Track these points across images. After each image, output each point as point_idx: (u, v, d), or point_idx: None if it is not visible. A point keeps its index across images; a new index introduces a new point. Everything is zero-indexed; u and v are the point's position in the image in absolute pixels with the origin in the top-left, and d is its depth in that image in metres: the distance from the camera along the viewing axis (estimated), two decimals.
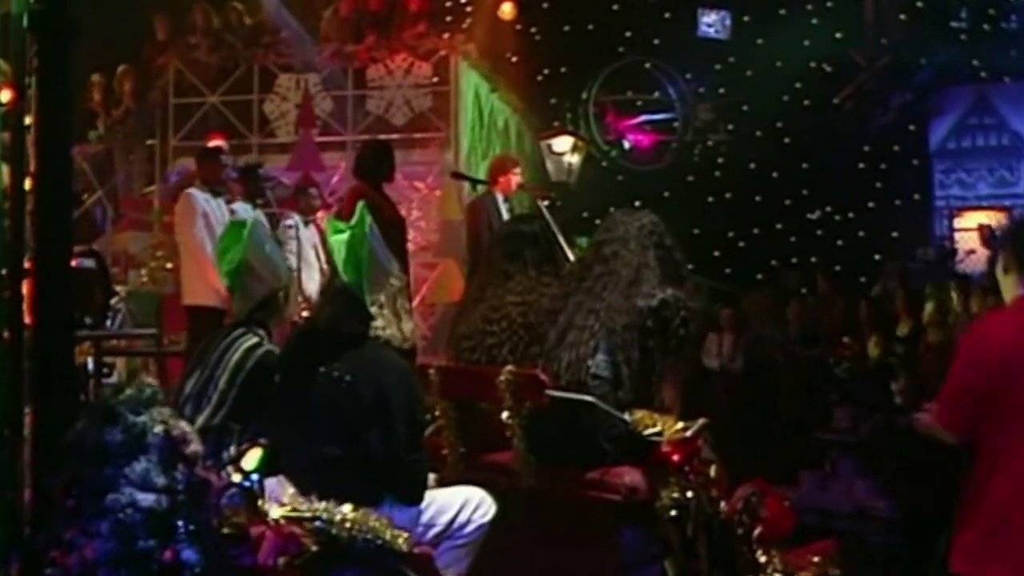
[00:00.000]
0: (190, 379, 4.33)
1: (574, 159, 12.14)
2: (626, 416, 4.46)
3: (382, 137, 12.00)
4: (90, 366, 9.93)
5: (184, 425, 3.81)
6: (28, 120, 11.31)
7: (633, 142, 15.80)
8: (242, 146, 12.29)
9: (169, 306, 9.81)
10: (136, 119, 12.38)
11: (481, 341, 5.02)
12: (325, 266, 9.53)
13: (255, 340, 4.26)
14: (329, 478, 3.94)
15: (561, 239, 8.73)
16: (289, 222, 9.84)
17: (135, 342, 10.11)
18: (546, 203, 9.13)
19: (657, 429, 4.41)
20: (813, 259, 15.68)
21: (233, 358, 4.22)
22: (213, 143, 10.58)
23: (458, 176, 10.01)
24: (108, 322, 9.79)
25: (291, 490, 3.92)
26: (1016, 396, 3.80)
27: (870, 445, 9.37)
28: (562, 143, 12.15)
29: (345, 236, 4.17)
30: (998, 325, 4.06)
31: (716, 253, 15.79)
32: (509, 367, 4.65)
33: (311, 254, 9.72)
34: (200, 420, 4.17)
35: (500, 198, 8.91)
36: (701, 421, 4.52)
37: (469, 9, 13.32)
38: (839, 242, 15.68)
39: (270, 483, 3.94)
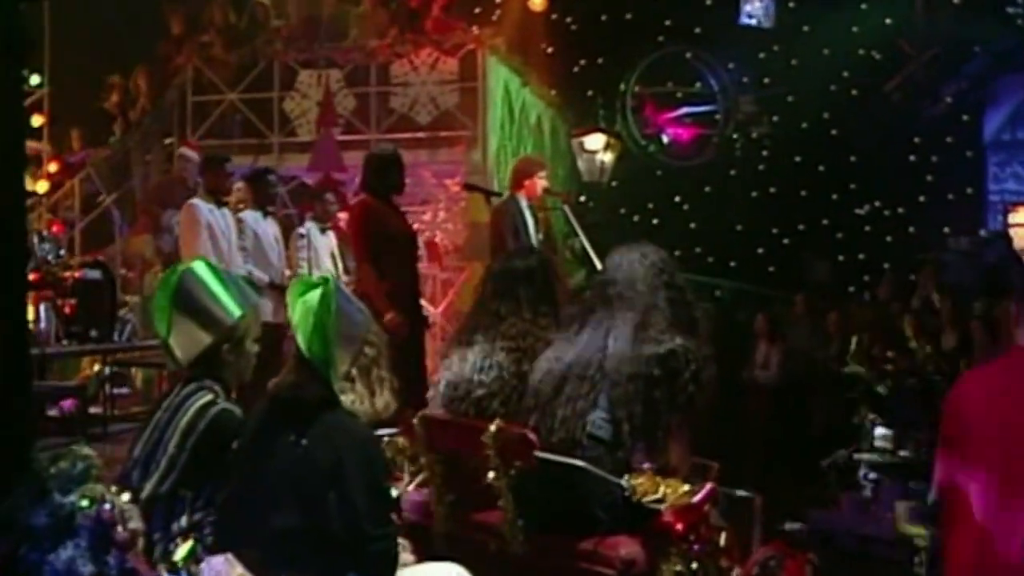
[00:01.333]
0: (139, 441, 3.93)
1: (607, 157, 11.66)
2: (625, 480, 4.02)
3: (406, 135, 11.66)
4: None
5: (122, 501, 3.43)
6: (40, 121, 10.93)
7: (672, 136, 15.34)
8: (263, 146, 11.92)
9: None
10: (152, 119, 12.03)
11: (469, 391, 4.56)
12: (343, 275, 9.21)
13: (209, 398, 3.83)
14: (284, 554, 3.54)
15: (587, 244, 8.36)
16: (301, 230, 9.49)
17: (148, 352, 9.78)
18: (583, 201, 8.79)
19: (658, 496, 3.96)
20: (861, 256, 15.18)
21: (184, 419, 3.80)
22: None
23: (471, 188, 9.54)
24: (116, 334, 9.53)
25: (239, 569, 3.53)
26: (979, 454, 3.37)
27: (911, 467, 8.89)
28: (594, 141, 11.66)
29: (314, 296, 3.72)
30: (975, 380, 3.64)
31: (759, 250, 15.42)
32: (497, 422, 4.22)
33: (327, 262, 9.36)
34: (148, 488, 3.77)
35: (524, 203, 8.51)
36: (709, 485, 4.07)
37: (498, 0, 12.88)
38: (888, 238, 15.15)
39: (216, 561, 3.55)
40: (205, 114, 12.17)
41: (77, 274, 9.05)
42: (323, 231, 9.48)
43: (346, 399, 3.70)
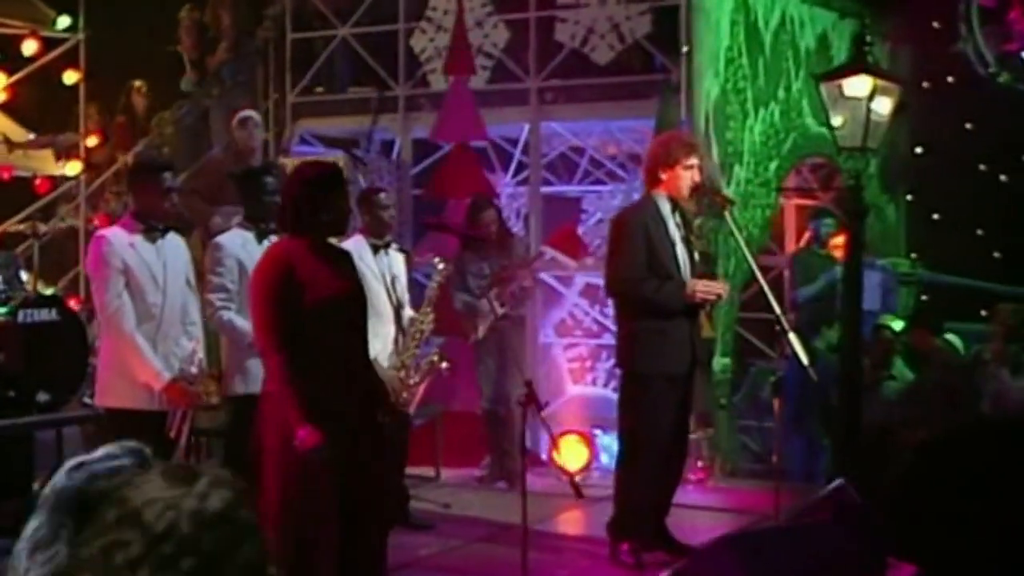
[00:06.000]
0: None
1: (880, 107, 8.97)
2: None
3: (577, 82, 9.67)
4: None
5: None
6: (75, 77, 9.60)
7: None
8: (384, 100, 10.13)
9: None
10: (237, 66, 10.44)
11: None
12: (410, 313, 7.68)
13: None
14: None
15: (751, 260, 7.36)
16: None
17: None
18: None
19: None
20: None
21: None
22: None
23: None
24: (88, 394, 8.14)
25: None
26: None
27: None
28: (857, 85, 8.95)
29: None
30: None
31: None
32: None
33: (380, 298, 7.69)
34: None
35: (666, 202, 7.11)
36: None
37: None
38: None
39: None
40: (309, 57, 10.47)
41: (19, 317, 7.69)
42: (377, 250, 7.74)
43: None
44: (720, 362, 9.68)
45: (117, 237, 6.50)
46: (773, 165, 10.33)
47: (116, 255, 6.43)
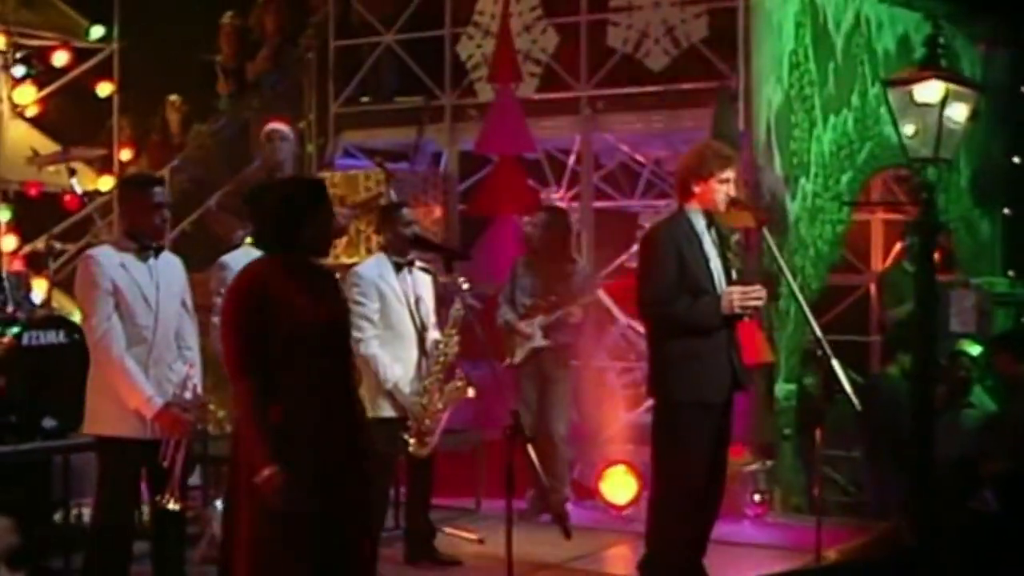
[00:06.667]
0: None
1: (956, 114, 8.56)
2: None
3: (630, 91, 9.45)
4: None
5: None
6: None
7: None
8: (430, 110, 10.00)
9: None
10: (279, 75, 10.27)
11: None
12: (434, 335, 7.47)
13: None
14: None
15: (790, 278, 6.92)
16: (362, 269, 7.55)
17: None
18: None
19: None
20: None
21: None
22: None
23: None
24: None
25: None
26: None
27: None
28: (928, 90, 8.55)
29: None
30: None
31: None
32: None
33: (405, 320, 7.48)
34: None
35: (700, 216, 6.66)
36: None
37: None
38: None
39: None
40: (355, 65, 10.26)
41: (23, 340, 7.55)
42: (400, 269, 7.51)
43: None
44: (783, 388, 9.26)
45: (106, 257, 6.23)
46: (845, 177, 9.89)
47: (105, 276, 6.16)
